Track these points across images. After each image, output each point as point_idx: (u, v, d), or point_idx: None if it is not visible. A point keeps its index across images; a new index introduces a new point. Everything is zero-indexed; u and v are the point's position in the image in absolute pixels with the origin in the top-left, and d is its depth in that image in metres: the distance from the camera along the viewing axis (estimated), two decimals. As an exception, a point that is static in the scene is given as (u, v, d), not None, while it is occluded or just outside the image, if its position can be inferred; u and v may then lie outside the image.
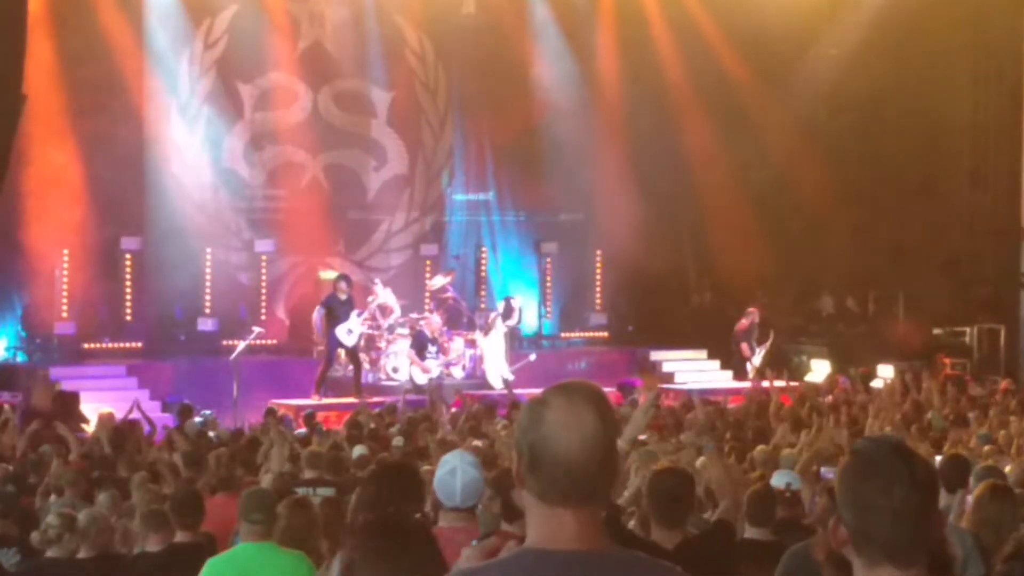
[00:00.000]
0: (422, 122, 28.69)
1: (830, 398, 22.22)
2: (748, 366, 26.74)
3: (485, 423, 18.22)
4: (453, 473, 6.73)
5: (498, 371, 25.27)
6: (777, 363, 26.12)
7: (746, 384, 25.99)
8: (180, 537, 9.32)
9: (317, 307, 24.50)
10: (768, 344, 27.23)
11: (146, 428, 17.95)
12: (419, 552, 4.25)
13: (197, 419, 19.62)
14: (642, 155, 28.59)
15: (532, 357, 26.13)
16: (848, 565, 3.70)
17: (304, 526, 8.21)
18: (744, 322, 27.34)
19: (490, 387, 24.91)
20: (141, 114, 26.03)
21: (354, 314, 24.28)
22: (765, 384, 22.66)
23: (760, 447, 14.39)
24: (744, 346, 27.08)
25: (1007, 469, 12.09)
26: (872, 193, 29.47)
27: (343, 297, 24.28)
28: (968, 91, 30.06)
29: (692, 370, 27.96)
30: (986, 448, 14.71)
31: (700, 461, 9.97)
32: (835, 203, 28.71)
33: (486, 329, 25.80)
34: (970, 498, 8.72)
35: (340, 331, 24.10)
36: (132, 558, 9.66)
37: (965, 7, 29.35)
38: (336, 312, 24.11)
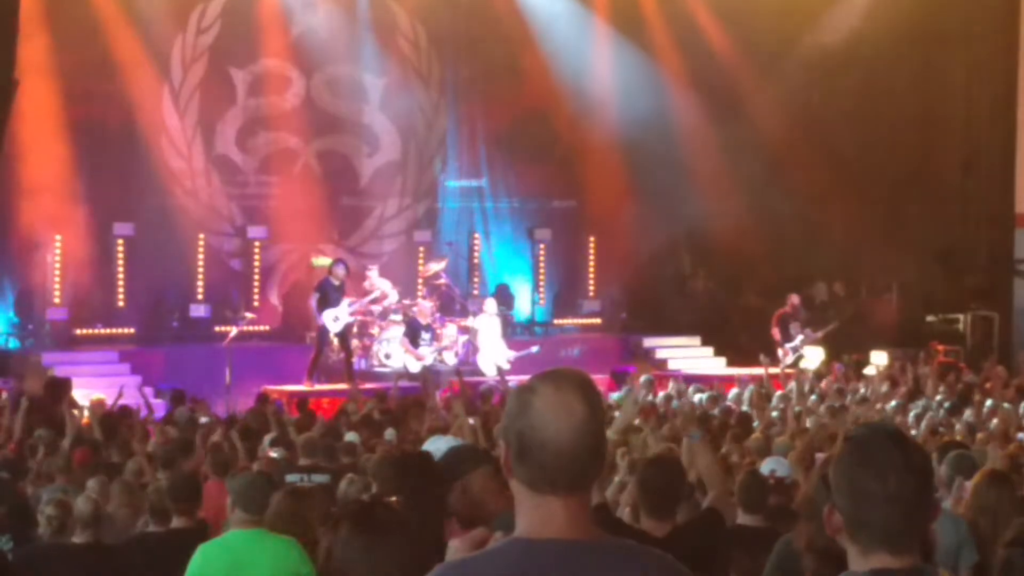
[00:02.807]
0: (415, 108, 28.62)
1: (824, 384, 22.27)
2: (779, 352, 26.55)
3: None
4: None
5: (491, 358, 25.24)
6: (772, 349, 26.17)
7: (736, 370, 26.03)
8: (177, 522, 9.34)
9: (312, 293, 24.48)
10: (826, 329, 27.04)
11: (143, 412, 17.92)
12: (396, 540, 4.23)
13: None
14: (635, 142, 28.53)
15: (535, 349, 25.88)
16: (829, 554, 3.70)
17: (294, 513, 8.18)
18: (785, 308, 27.22)
19: (482, 373, 24.89)
20: (133, 99, 25.94)
21: (345, 302, 24.26)
22: (767, 371, 22.62)
23: (754, 435, 14.41)
24: (776, 331, 26.95)
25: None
26: (866, 180, 29.47)
27: (336, 283, 24.29)
28: (961, 79, 30.11)
29: (686, 357, 27.95)
30: (979, 436, 14.73)
31: (684, 450, 9.93)
32: (829, 190, 28.69)
33: (478, 314, 25.82)
34: (968, 485, 8.71)
35: (327, 316, 24.08)
36: (128, 541, 9.67)
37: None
38: (328, 297, 24.11)
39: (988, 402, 18.63)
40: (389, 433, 15.72)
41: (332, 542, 4.24)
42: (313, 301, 24.22)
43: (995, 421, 16.63)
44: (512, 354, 25.19)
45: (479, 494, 5.93)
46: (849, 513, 3.61)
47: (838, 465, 3.67)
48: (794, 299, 27.29)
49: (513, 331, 26.82)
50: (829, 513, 3.66)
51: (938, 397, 20.42)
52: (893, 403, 19.29)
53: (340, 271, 24.39)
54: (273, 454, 13.19)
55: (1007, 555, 7.72)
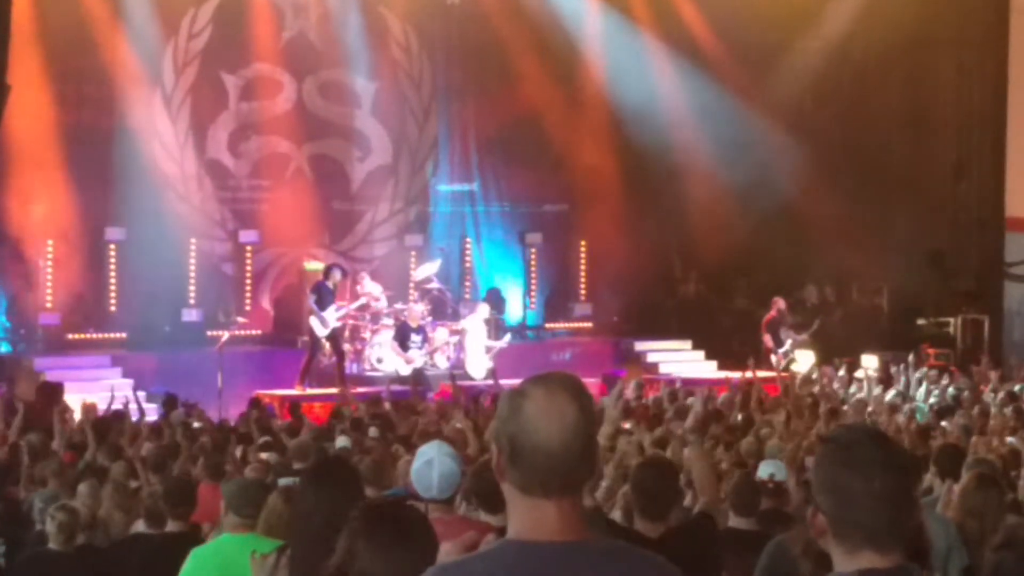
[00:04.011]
0: (406, 112, 28.65)
1: (817, 388, 22.28)
2: (772, 358, 26.56)
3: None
4: (430, 464, 6.74)
5: (479, 362, 25.29)
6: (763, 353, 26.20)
7: (727, 373, 26.03)
8: (172, 526, 9.35)
9: (309, 295, 24.53)
10: (810, 330, 27.11)
11: (134, 415, 17.93)
12: (420, 540, 4.26)
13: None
14: (627, 146, 28.59)
15: (507, 337, 26.12)
16: (825, 558, 3.71)
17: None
18: (772, 313, 27.26)
19: (471, 377, 24.94)
20: (125, 104, 25.94)
21: (332, 307, 24.26)
22: (749, 375, 22.61)
23: (747, 439, 14.41)
24: (768, 337, 27.00)
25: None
26: (856, 184, 29.48)
27: (331, 286, 24.33)
28: (952, 82, 30.15)
29: (676, 360, 27.99)
30: (974, 439, 14.76)
31: (686, 453, 9.98)
32: (819, 194, 28.69)
33: (467, 317, 25.88)
34: (957, 487, 8.74)
35: (313, 319, 24.12)
36: (120, 544, 9.68)
37: (949, -1, 29.47)
38: (323, 300, 24.15)
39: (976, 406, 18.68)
40: (372, 431, 15.72)
41: (353, 542, 4.26)
42: (312, 303, 24.26)
43: (991, 424, 16.67)
44: (492, 349, 25.30)
45: None
46: (833, 513, 3.62)
47: (820, 466, 3.69)
48: (780, 303, 27.34)
49: (504, 335, 26.78)
50: (813, 515, 3.67)
51: (931, 400, 20.47)
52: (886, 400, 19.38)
53: (337, 275, 24.44)
54: (263, 456, 13.20)
55: (998, 558, 7.73)
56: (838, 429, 3.78)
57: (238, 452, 14.28)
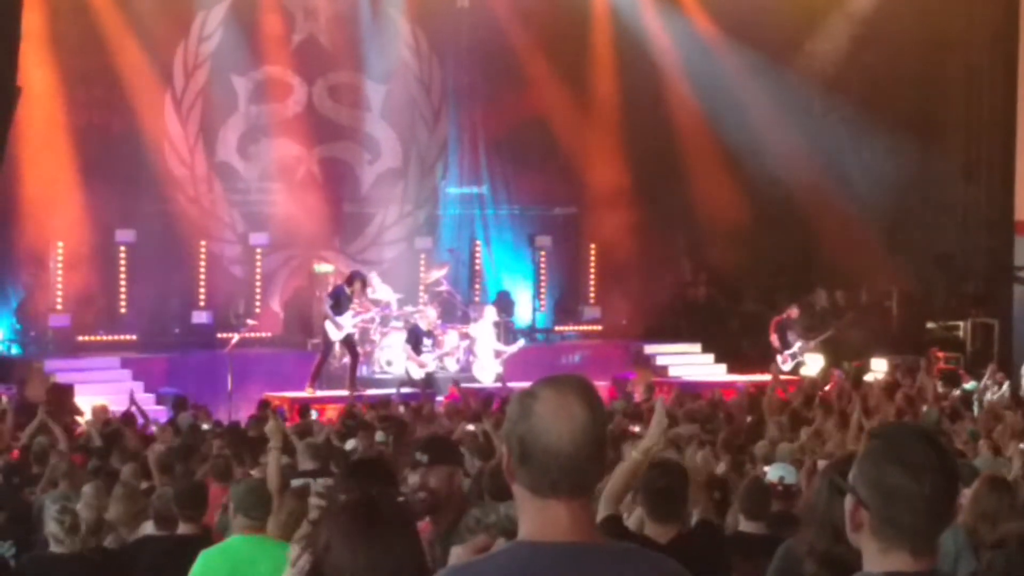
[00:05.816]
0: (416, 115, 28.66)
1: (827, 389, 22.28)
2: (779, 358, 26.54)
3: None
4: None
5: (488, 366, 25.28)
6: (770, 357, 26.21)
7: (738, 377, 26.04)
8: (183, 529, 9.34)
9: (326, 299, 24.53)
10: (822, 337, 27.11)
11: (139, 421, 17.98)
12: (396, 535, 4.25)
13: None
14: (636, 149, 28.59)
15: (520, 342, 26.10)
16: (829, 559, 3.69)
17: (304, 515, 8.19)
18: (783, 315, 27.23)
19: (479, 381, 24.95)
20: (135, 107, 25.98)
21: (349, 312, 24.25)
22: (767, 377, 22.60)
23: (760, 443, 14.39)
24: (775, 337, 26.99)
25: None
26: (865, 187, 29.46)
27: (348, 292, 24.26)
28: (961, 85, 30.15)
29: (686, 363, 27.97)
30: (981, 443, 14.74)
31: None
32: (829, 196, 28.68)
33: (477, 321, 25.88)
34: (968, 491, 8.72)
35: (328, 325, 24.11)
36: (131, 546, 9.67)
37: (958, 1, 29.41)
38: (340, 304, 24.13)
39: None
40: (379, 435, 15.72)
41: (332, 533, 4.24)
42: (328, 308, 24.23)
43: (998, 428, 16.64)
44: (504, 354, 25.28)
45: (458, 488, 6.16)
46: (877, 510, 3.57)
47: (867, 461, 3.62)
48: (793, 311, 27.32)
49: (513, 339, 26.78)
50: (855, 509, 3.61)
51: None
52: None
53: (357, 285, 24.32)
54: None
55: (990, 558, 7.72)
56: (887, 426, 3.74)
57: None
